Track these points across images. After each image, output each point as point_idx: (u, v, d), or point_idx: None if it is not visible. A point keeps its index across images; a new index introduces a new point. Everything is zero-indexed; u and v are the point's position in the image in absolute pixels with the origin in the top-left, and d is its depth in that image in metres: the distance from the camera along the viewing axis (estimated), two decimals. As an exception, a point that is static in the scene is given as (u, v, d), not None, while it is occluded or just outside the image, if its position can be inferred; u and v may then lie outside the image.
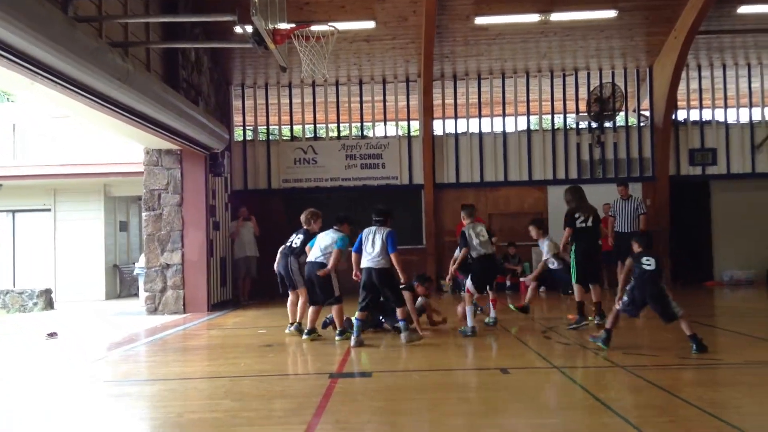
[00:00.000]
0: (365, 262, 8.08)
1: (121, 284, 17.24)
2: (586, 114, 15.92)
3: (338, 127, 16.44)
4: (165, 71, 11.81)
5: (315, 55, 8.94)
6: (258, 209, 15.22)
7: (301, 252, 8.99)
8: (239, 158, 16.04)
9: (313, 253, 8.60)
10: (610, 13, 13.72)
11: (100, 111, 9.03)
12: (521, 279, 14.34)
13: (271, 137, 16.37)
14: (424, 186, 15.87)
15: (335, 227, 8.76)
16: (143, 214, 12.85)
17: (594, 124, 15.87)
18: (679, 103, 16.10)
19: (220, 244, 13.90)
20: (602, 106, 15.61)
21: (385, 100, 16.39)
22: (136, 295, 15.32)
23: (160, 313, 12.46)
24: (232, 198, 15.16)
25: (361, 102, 16.35)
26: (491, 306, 9.28)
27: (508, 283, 14.93)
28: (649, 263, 7.54)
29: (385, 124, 17.01)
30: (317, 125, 16.57)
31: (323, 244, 8.58)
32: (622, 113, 16.14)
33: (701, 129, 16.17)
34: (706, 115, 16.36)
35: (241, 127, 16.58)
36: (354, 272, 8.27)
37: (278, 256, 9.20)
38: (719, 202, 16.10)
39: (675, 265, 15.72)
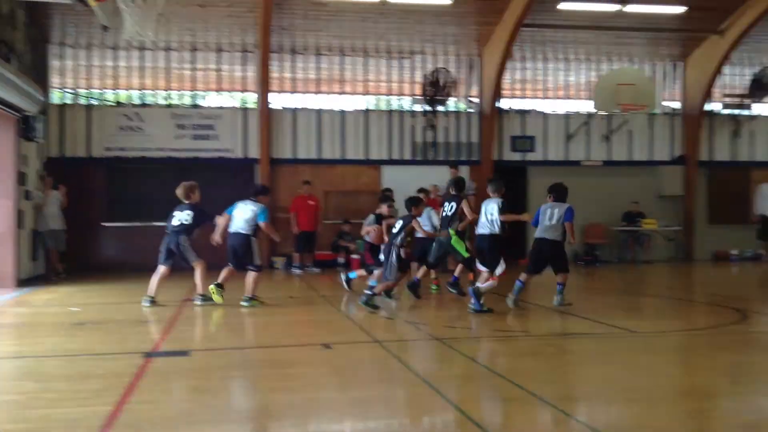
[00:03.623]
0: (540, 233, 8.83)
1: None
2: (420, 97, 16.39)
3: (168, 95, 15.67)
4: (-31, 22, 10.62)
5: (141, 16, 8.43)
6: (76, 178, 14.18)
7: (194, 229, 9.04)
8: (56, 123, 14.81)
9: (236, 225, 8.86)
10: (446, 0, 14.17)
11: None
12: (353, 256, 14.55)
13: (93, 101, 15.28)
14: (260, 160, 15.57)
15: (252, 199, 9.02)
16: (-59, 179, 11.52)
17: (427, 108, 16.38)
18: (503, 92, 17.01)
19: (31, 215, 12.79)
20: (435, 90, 16.13)
21: (220, 70, 15.84)
22: (-68, 269, 13.73)
23: (-41, 289, 11.29)
24: (48, 165, 14.00)
25: (194, 70, 15.68)
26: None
27: (341, 260, 15.01)
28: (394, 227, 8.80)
29: (219, 95, 16.47)
30: (145, 91, 15.65)
31: (245, 217, 8.84)
32: (453, 99, 16.79)
33: (522, 117, 17.23)
34: (528, 104, 17.46)
35: (60, 90, 15.31)
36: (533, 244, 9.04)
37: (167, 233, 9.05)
38: (535, 187, 17.22)
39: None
